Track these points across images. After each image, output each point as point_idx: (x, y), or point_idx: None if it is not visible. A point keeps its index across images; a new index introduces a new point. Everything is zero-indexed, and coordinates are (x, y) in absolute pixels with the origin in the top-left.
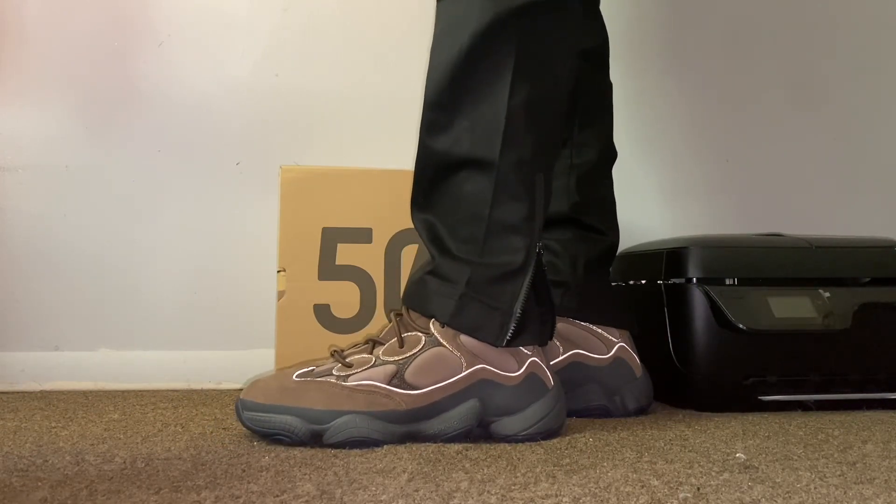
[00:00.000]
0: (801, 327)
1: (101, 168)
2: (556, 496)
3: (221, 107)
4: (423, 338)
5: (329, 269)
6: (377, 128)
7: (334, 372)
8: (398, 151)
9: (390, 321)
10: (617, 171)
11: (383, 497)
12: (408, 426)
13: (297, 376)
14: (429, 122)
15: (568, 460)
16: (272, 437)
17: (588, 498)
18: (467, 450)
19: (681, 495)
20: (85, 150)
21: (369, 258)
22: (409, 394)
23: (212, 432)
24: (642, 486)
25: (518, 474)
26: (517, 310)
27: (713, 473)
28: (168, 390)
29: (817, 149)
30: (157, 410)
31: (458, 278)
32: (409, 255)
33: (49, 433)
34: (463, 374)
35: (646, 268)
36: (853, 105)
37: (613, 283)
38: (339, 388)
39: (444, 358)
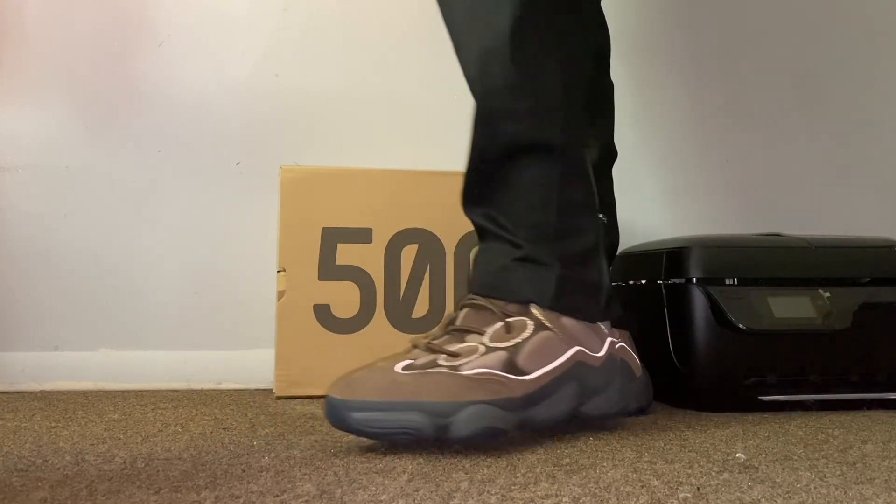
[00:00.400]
0: (801, 327)
1: (101, 168)
2: (556, 496)
3: (221, 107)
4: (529, 322)
5: (329, 269)
6: (377, 128)
7: (441, 362)
8: (398, 151)
9: (455, 314)
10: (617, 171)
11: (383, 497)
12: (521, 413)
13: (402, 369)
14: (488, 110)
15: (568, 460)
16: (389, 438)
17: (588, 498)
18: (467, 450)
19: (681, 495)
20: (85, 150)
21: (369, 258)
22: (522, 380)
23: (212, 432)
24: (642, 486)
25: (518, 474)
26: (605, 283)
27: (713, 473)
28: (168, 390)
29: (817, 149)
30: (157, 410)
31: (551, 261)
32: (409, 255)
33: (49, 433)
34: (566, 356)
35: (646, 268)
36: (853, 105)
37: (613, 283)
38: (458, 378)
39: (551, 341)
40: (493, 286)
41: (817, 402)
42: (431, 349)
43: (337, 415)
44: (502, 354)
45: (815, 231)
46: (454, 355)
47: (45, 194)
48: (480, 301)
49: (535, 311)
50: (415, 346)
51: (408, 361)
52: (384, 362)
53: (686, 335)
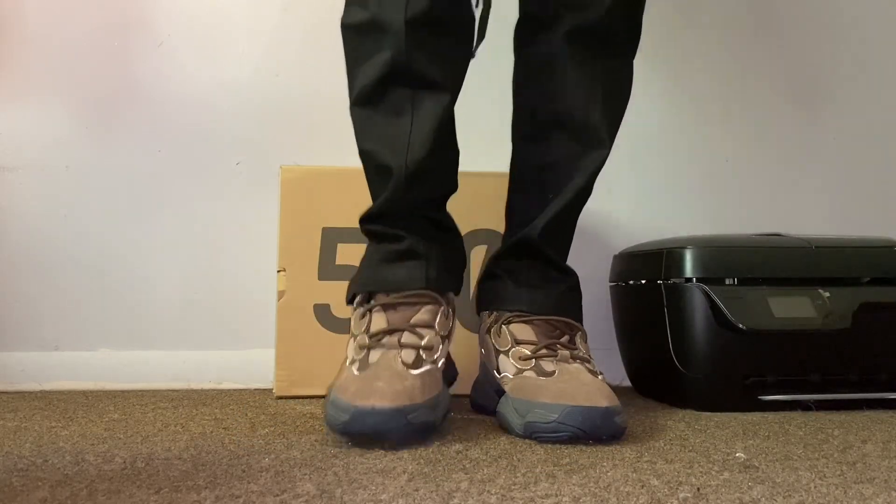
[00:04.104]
0: (800, 327)
1: (101, 168)
2: (556, 496)
3: (221, 107)
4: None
5: (329, 269)
6: None
7: (595, 369)
8: None
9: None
10: (618, 170)
11: (383, 497)
12: None
13: (590, 373)
14: (603, 164)
15: (568, 460)
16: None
17: (588, 498)
18: (467, 450)
19: (681, 495)
20: (85, 150)
21: None
22: None
23: (212, 432)
24: (642, 486)
25: (518, 474)
26: None
27: (713, 473)
28: (168, 390)
29: (817, 149)
30: (157, 410)
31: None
32: None
33: (49, 433)
34: None
35: (646, 268)
36: (853, 105)
37: (613, 283)
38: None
39: None
40: (560, 309)
41: (817, 402)
42: (574, 357)
43: (608, 418)
44: (594, 362)
45: (815, 231)
46: (587, 361)
47: (45, 194)
48: (551, 319)
49: (581, 326)
50: (551, 352)
51: (583, 366)
52: (570, 372)
53: (686, 335)
